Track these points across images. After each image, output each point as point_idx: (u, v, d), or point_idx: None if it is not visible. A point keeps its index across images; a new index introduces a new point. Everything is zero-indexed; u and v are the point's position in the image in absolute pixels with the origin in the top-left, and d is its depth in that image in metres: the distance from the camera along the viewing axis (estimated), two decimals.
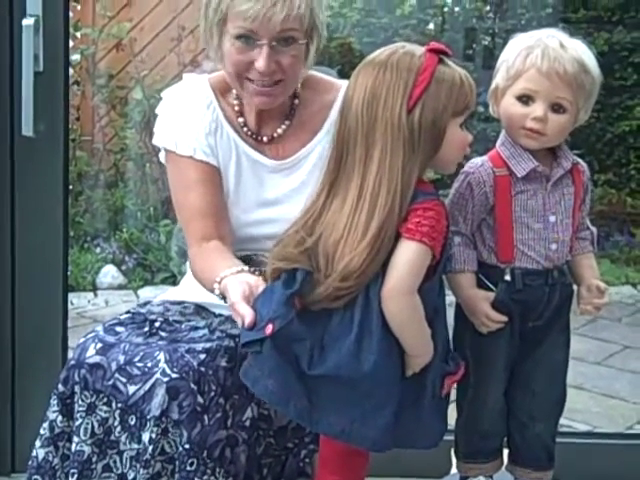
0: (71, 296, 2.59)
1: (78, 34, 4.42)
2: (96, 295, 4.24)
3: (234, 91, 1.90)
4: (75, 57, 4.30)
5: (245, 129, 1.91)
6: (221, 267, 1.74)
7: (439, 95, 1.61)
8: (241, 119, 1.91)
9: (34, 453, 1.81)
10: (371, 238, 1.57)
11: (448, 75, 1.62)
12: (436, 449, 1.89)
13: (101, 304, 4.16)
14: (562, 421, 1.95)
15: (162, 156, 1.95)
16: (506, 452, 1.92)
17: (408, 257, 1.58)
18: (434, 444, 1.72)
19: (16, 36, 2.24)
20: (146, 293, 4.07)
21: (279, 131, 1.92)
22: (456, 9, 5.14)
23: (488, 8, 4.98)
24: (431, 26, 5.10)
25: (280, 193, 1.90)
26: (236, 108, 1.91)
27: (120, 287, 4.30)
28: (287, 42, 1.78)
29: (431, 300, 1.64)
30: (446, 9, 5.11)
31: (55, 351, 2.43)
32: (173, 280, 4.04)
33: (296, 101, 1.92)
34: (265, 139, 1.91)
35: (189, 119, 1.88)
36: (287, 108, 1.91)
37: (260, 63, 1.77)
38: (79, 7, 4.45)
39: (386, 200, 1.58)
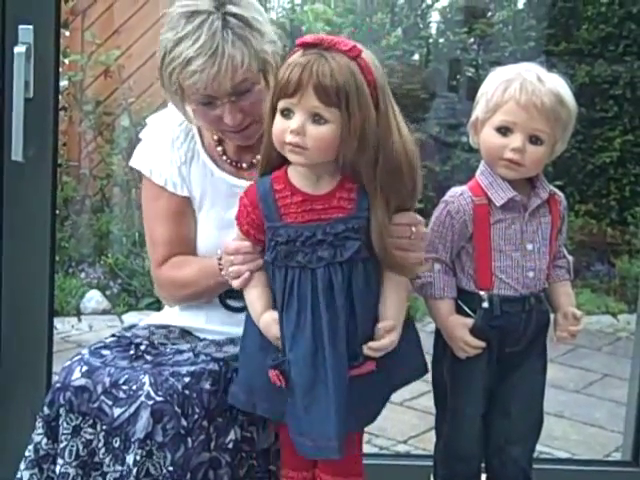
0: (55, 321, 2.59)
1: (66, 60, 4.44)
2: (80, 320, 4.23)
3: None
4: (63, 83, 4.31)
5: (224, 157, 1.94)
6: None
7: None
8: (220, 148, 1.94)
9: (19, 475, 1.82)
10: None
11: (286, 62, 1.61)
12: (416, 474, 1.92)
13: (85, 329, 4.16)
14: (541, 448, 1.97)
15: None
16: (484, 477, 1.95)
17: None
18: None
19: (7, 63, 2.26)
20: (130, 318, 4.06)
21: (258, 157, 1.93)
22: (441, 40, 5.20)
23: (472, 40, 5.04)
24: (416, 57, 5.16)
25: None
26: (215, 137, 1.95)
27: (104, 312, 4.30)
28: (245, 92, 1.81)
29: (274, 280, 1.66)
30: (431, 40, 5.17)
31: (40, 375, 2.43)
32: (158, 306, 4.02)
33: None
34: (245, 165, 1.94)
35: (164, 149, 1.93)
36: None
37: (227, 119, 1.82)
38: (67, 33, 4.48)
39: None
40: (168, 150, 1.92)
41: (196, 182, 1.93)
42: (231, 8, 1.80)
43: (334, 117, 1.57)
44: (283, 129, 1.59)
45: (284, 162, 1.65)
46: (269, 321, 1.66)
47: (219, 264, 1.79)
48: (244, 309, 1.74)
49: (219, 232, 1.89)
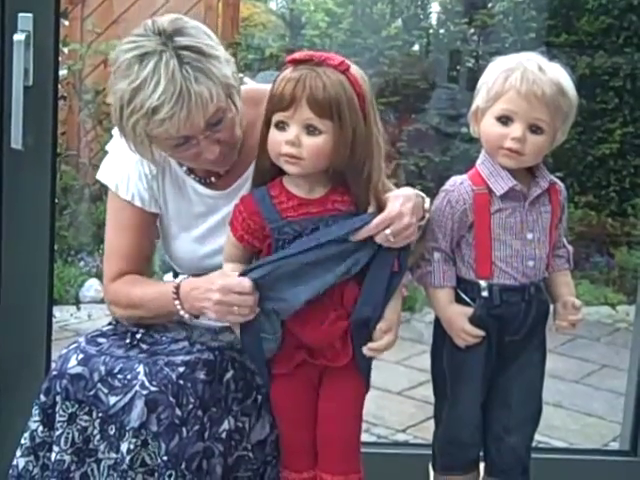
0: (54, 309, 2.60)
1: (66, 50, 4.44)
2: (79, 308, 4.24)
3: None
4: (62, 72, 4.31)
5: (192, 176, 1.89)
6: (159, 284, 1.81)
7: None
8: (184, 167, 1.88)
9: (14, 462, 1.82)
10: None
11: (278, 78, 1.64)
12: (414, 463, 1.92)
13: (84, 317, 4.16)
14: (540, 438, 1.97)
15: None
16: (482, 465, 1.95)
17: None
18: None
19: (7, 50, 2.26)
20: None
21: (226, 168, 1.88)
22: (441, 31, 5.20)
23: (472, 31, 5.03)
24: (416, 47, 5.16)
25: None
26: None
27: (103, 301, 4.28)
28: (218, 122, 1.74)
29: None
30: (431, 31, 5.17)
31: (39, 364, 2.43)
32: None
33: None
34: (213, 179, 1.89)
35: (132, 162, 1.85)
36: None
37: (208, 155, 1.75)
38: (67, 23, 4.48)
39: None
40: (138, 163, 1.85)
41: (170, 195, 1.89)
42: (180, 40, 1.69)
43: (327, 128, 1.63)
44: (278, 141, 1.64)
45: (276, 175, 1.70)
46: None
47: (173, 292, 1.77)
48: None
49: (197, 245, 1.88)
